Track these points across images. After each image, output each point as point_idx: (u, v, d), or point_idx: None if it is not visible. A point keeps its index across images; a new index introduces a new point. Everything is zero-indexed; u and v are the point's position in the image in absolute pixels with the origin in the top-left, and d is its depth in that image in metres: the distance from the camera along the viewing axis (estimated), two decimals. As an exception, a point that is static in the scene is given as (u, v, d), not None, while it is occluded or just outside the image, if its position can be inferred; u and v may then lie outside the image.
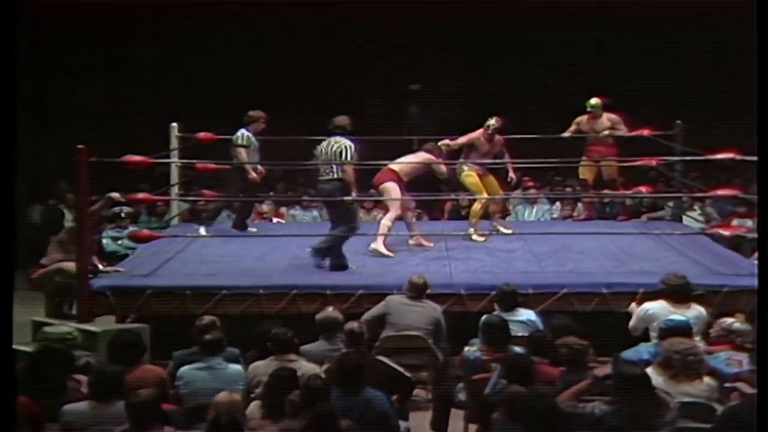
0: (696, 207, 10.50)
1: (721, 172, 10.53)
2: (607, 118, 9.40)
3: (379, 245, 7.90)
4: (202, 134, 9.17)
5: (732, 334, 5.32)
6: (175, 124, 9.22)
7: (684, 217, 9.83)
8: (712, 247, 8.03)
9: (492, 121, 8.48)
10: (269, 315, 6.50)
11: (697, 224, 9.78)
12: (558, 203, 10.98)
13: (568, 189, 11.00)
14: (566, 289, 6.78)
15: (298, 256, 7.92)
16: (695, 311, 5.90)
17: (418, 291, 6.31)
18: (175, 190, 9.29)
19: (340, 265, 7.34)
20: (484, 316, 5.78)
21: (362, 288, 6.78)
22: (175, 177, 9.27)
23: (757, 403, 4.01)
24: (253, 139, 8.57)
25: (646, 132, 9.21)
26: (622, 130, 9.36)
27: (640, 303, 6.26)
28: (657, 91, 10.84)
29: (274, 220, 10.66)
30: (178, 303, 6.76)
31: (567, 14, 11.34)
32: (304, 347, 5.56)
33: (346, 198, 7.30)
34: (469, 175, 8.46)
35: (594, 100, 9.42)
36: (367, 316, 6.22)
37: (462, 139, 8.50)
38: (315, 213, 11.25)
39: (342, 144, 7.32)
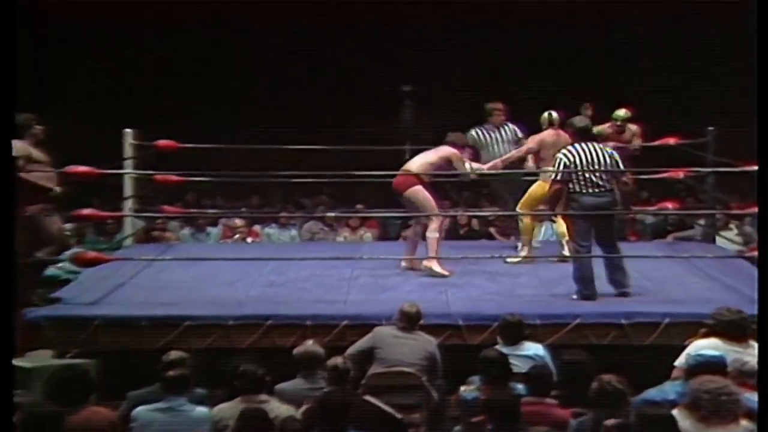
0: (732, 225, 10.50)
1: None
2: (628, 129, 9.51)
3: (433, 264, 7.97)
4: (162, 142, 9.18)
5: (744, 375, 5.28)
6: (129, 131, 9.24)
7: (717, 238, 9.84)
8: (751, 271, 8.02)
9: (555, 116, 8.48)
10: (240, 349, 6.52)
11: (734, 246, 9.79)
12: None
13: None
14: (579, 320, 6.81)
15: (273, 281, 7.95)
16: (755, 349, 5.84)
17: (410, 321, 6.33)
18: (129, 205, 9.29)
19: (590, 295, 7.33)
20: (483, 351, 5.80)
21: (347, 318, 6.80)
22: (128, 190, 9.28)
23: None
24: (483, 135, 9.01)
25: (672, 141, 9.26)
26: (638, 142, 9.44)
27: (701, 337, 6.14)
28: (686, 96, 10.91)
29: (248, 239, 10.66)
30: (132, 336, 6.74)
31: (579, 16, 11.46)
32: (279, 386, 5.59)
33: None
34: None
35: (622, 111, 9.49)
36: (352, 350, 6.24)
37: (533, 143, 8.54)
38: (293, 232, 11.27)
39: (613, 152, 7.45)
